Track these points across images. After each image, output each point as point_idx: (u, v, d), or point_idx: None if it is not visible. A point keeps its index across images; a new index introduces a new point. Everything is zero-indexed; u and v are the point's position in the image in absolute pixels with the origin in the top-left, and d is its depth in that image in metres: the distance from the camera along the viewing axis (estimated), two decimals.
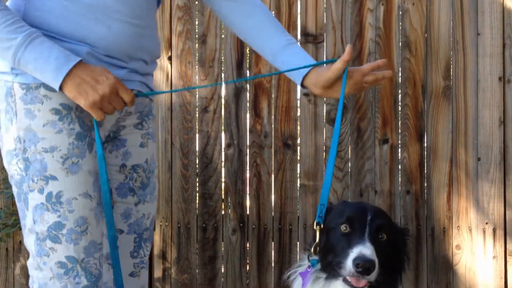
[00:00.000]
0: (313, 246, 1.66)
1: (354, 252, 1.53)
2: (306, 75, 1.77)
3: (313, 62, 1.79)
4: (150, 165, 1.83)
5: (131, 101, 1.63)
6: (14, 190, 1.67)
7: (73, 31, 1.61)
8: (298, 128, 3.16)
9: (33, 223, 1.62)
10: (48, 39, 1.57)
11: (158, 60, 3.07)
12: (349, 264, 1.52)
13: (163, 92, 1.89)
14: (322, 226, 1.66)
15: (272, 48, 1.82)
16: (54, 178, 1.60)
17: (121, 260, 1.78)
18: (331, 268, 1.61)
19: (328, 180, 1.69)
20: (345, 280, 1.56)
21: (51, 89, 1.59)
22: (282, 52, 1.81)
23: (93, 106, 1.57)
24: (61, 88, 1.56)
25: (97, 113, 1.59)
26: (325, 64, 1.81)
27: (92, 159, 1.64)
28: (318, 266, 1.66)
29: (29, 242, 1.65)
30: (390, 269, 1.62)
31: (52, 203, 1.60)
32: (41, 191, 1.60)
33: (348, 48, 1.70)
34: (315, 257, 1.67)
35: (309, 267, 1.69)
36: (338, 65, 1.72)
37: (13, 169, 1.63)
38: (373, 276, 1.52)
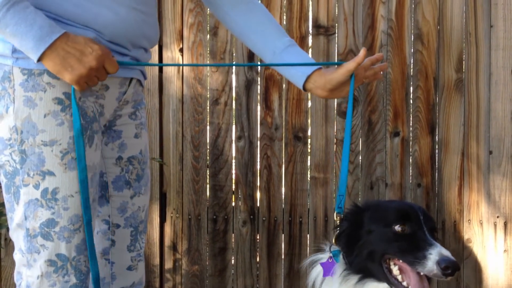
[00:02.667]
0: (335, 235, 1.64)
1: (434, 254, 1.50)
2: (309, 77, 1.74)
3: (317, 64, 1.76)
4: (144, 156, 1.80)
5: (116, 71, 1.56)
6: (2, 180, 1.60)
7: (78, 15, 1.54)
8: (309, 120, 3.16)
9: (24, 218, 1.56)
10: (31, 6, 1.48)
11: (169, 52, 3.11)
12: (430, 265, 1.49)
13: (148, 65, 1.80)
14: (342, 216, 1.64)
15: (275, 47, 1.77)
16: (51, 173, 1.54)
17: (119, 254, 1.78)
18: (373, 271, 1.58)
19: (344, 172, 1.69)
20: None
21: (55, 77, 1.53)
22: (285, 51, 1.77)
23: (79, 80, 1.50)
24: (39, 59, 1.48)
25: (82, 86, 1.52)
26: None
27: (92, 153, 1.60)
28: (342, 262, 1.63)
29: (17, 236, 1.60)
30: None
31: (47, 199, 1.54)
32: (36, 186, 1.54)
33: (362, 50, 1.69)
34: (336, 247, 1.64)
35: (330, 257, 1.66)
36: (351, 67, 1.70)
37: (5, 159, 1.56)
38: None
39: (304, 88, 1.76)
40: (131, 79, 1.70)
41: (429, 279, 1.57)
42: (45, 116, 1.53)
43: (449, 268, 1.48)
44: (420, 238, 1.54)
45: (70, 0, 1.54)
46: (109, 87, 1.64)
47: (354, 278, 1.59)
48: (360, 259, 1.59)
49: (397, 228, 1.57)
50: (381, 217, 1.61)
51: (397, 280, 1.55)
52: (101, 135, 1.69)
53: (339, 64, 1.74)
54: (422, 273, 1.53)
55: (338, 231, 1.65)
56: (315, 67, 1.75)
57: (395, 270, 1.56)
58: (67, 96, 1.55)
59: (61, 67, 1.49)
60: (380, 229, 1.59)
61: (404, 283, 1.54)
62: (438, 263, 1.48)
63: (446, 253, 1.51)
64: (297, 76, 1.76)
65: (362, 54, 1.69)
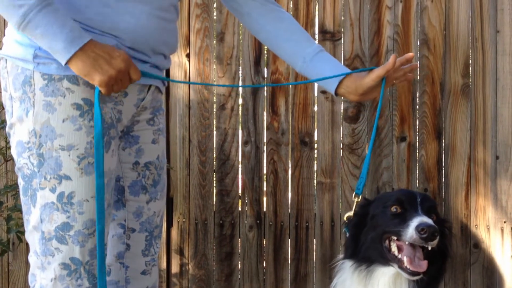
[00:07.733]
0: (351, 213, 1.75)
1: (415, 222, 1.57)
2: (341, 83, 1.79)
3: (346, 69, 1.81)
4: (161, 161, 1.81)
5: (139, 79, 1.59)
6: (20, 182, 1.62)
7: (100, 22, 1.57)
8: (315, 125, 3.17)
9: (40, 221, 1.58)
10: (60, 8, 1.50)
11: (176, 57, 3.12)
12: (410, 232, 1.56)
13: (168, 80, 1.81)
14: (360, 197, 1.75)
15: (305, 53, 1.81)
16: (68, 178, 1.56)
17: (133, 259, 1.79)
18: (376, 254, 1.64)
19: (368, 156, 1.80)
20: (401, 267, 1.59)
21: (75, 82, 1.55)
22: (316, 57, 1.80)
23: (108, 81, 1.52)
24: (68, 61, 1.49)
25: (110, 89, 1.54)
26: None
27: (108, 158, 1.61)
28: (349, 261, 1.69)
29: (33, 239, 1.62)
30: (437, 254, 1.66)
31: (63, 203, 1.56)
32: (53, 190, 1.56)
33: (392, 57, 1.74)
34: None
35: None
36: (381, 73, 1.75)
37: (23, 162, 1.59)
38: (435, 242, 1.56)
39: (336, 93, 1.81)
40: (150, 86, 1.71)
41: (432, 260, 1.62)
42: (63, 121, 1.55)
43: (424, 231, 1.53)
44: (411, 214, 1.62)
45: (92, 7, 1.56)
46: (128, 93, 1.66)
47: (363, 267, 1.66)
48: (366, 244, 1.67)
49: (392, 209, 1.65)
50: (382, 203, 1.71)
51: (394, 255, 1.63)
52: (118, 140, 1.70)
53: (370, 69, 1.79)
54: (409, 244, 1.59)
55: (349, 221, 1.75)
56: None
57: (393, 247, 1.63)
58: (86, 101, 1.57)
59: (91, 68, 1.50)
60: (380, 212, 1.68)
61: (399, 256, 1.61)
62: (416, 228, 1.55)
63: (427, 220, 1.57)
64: (329, 82, 1.80)
65: (391, 61, 1.74)
